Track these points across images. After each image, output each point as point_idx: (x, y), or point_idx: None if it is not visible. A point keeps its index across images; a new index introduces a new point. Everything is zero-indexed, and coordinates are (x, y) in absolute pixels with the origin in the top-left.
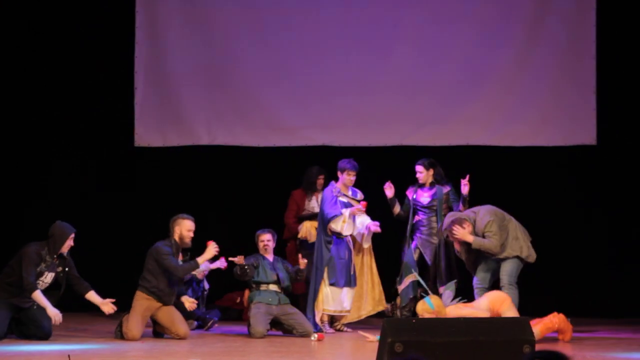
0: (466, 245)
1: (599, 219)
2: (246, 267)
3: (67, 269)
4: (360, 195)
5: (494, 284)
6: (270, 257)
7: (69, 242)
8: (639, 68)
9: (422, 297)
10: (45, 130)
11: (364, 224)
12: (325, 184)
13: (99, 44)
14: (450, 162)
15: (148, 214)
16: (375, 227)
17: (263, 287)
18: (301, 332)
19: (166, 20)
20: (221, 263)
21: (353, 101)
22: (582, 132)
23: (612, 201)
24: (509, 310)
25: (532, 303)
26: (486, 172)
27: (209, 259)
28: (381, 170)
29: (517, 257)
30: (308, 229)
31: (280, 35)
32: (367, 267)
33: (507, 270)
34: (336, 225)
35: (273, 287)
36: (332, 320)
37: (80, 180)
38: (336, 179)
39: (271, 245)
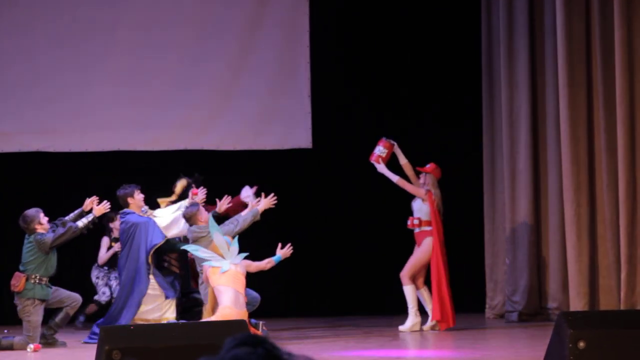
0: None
1: (315, 221)
2: None
3: None
4: None
5: None
6: None
7: None
8: (350, 73)
9: None
10: None
11: None
12: None
13: None
14: (171, 167)
15: None
16: None
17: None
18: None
19: None
20: None
21: (69, 107)
22: (298, 135)
23: (328, 203)
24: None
25: None
26: (206, 176)
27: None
28: (101, 176)
29: None
30: None
31: None
32: None
33: None
34: None
35: None
36: None
37: None
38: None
39: None
